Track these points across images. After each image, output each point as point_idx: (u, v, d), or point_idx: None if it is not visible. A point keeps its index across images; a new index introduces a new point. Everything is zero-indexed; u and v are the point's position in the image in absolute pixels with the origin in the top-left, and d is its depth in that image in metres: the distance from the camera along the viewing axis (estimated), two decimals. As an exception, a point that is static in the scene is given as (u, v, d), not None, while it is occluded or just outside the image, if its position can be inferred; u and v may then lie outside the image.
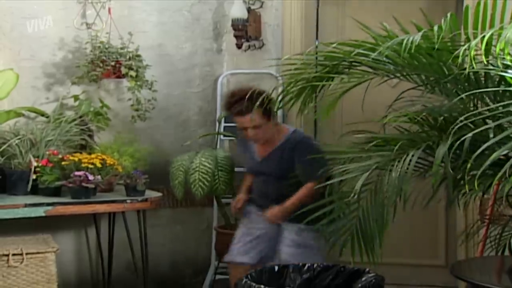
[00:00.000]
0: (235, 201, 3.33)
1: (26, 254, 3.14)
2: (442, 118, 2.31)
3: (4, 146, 3.40)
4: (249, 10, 3.99)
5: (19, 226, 3.35)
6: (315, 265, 2.86)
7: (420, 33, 2.09)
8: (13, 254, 3.08)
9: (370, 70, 2.46)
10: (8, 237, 3.29)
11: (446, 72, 2.22)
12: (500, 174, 1.82)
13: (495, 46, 2.04)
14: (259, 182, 3.27)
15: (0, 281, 3.09)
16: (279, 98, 2.80)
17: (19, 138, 3.43)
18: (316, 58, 2.62)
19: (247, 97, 2.95)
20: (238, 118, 3.07)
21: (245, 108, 2.99)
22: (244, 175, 3.41)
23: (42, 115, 3.70)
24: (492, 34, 1.96)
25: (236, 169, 3.67)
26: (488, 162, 1.82)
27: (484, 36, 1.93)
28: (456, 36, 2.15)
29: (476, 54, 1.98)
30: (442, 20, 2.16)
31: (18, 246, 3.15)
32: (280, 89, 2.97)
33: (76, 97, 3.78)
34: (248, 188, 3.36)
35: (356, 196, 2.53)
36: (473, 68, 1.97)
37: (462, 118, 2.07)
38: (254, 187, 3.31)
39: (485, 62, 2.00)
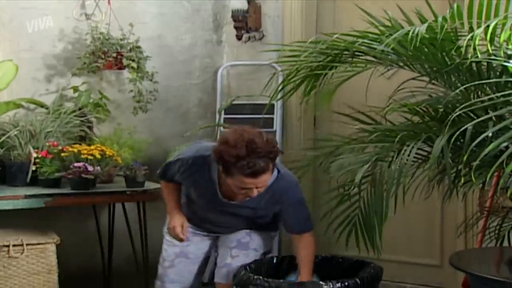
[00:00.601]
0: (177, 228, 2.75)
1: (27, 245, 3.15)
2: (442, 109, 2.30)
3: (3, 138, 3.40)
4: (249, 1, 3.98)
5: (19, 217, 3.35)
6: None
7: (425, 25, 2.08)
8: (14, 245, 3.09)
9: (373, 59, 2.45)
10: (8, 228, 3.30)
11: (449, 62, 2.22)
12: (497, 164, 1.82)
13: (498, 37, 2.03)
14: (210, 213, 2.73)
15: (0, 272, 3.10)
16: (279, 87, 2.79)
17: (18, 130, 3.43)
18: (315, 46, 2.60)
19: (270, 153, 2.37)
20: (248, 179, 2.38)
21: (262, 168, 2.37)
22: (167, 185, 2.79)
23: (42, 106, 3.70)
24: (496, 24, 1.95)
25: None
26: (485, 152, 1.82)
27: (488, 25, 1.93)
28: (459, 25, 2.14)
29: (479, 45, 1.98)
30: (447, 11, 2.15)
31: (19, 237, 3.15)
32: (280, 79, 2.93)
33: (75, 89, 3.78)
34: (178, 203, 2.81)
35: (356, 188, 2.54)
36: (477, 57, 1.96)
37: (460, 107, 2.06)
38: (198, 211, 2.76)
39: (490, 51, 1.98)
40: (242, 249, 2.74)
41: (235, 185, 2.45)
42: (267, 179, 2.43)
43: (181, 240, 2.76)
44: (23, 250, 3.13)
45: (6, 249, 3.11)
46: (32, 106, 3.70)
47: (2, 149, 3.42)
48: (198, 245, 2.81)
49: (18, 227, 3.34)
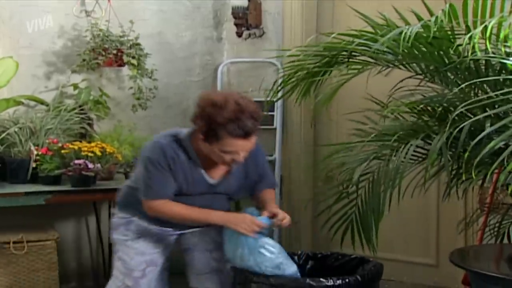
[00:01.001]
0: (253, 219, 2.42)
1: (27, 242, 3.16)
2: (441, 108, 2.31)
3: (3, 135, 3.41)
4: (249, -2, 3.98)
5: (19, 214, 3.36)
6: (313, 254, 2.87)
7: (419, 24, 2.09)
8: (14, 242, 3.10)
9: (370, 60, 2.45)
10: (9, 225, 3.30)
11: (446, 61, 2.22)
12: (498, 162, 1.82)
13: (496, 35, 2.04)
14: (197, 202, 2.46)
15: (1, 269, 3.11)
16: (279, 88, 2.80)
17: (18, 127, 3.44)
18: (313, 48, 2.61)
19: (256, 114, 2.28)
20: (239, 140, 2.27)
21: (251, 129, 2.27)
22: (169, 203, 2.40)
23: (42, 103, 3.70)
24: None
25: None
26: (485, 151, 1.83)
27: (486, 26, 1.93)
28: (455, 24, 2.15)
29: (476, 43, 1.98)
30: (440, 11, 2.16)
31: (19, 234, 3.16)
32: (280, 80, 2.93)
33: (75, 86, 3.78)
34: None
35: (354, 187, 2.54)
36: (476, 55, 1.96)
37: (461, 106, 2.07)
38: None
39: (489, 50, 1.99)
40: (221, 249, 2.55)
41: (220, 151, 2.30)
42: (255, 141, 2.32)
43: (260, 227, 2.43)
44: (24, 247, 3.14)
45: (6, 246, 3.12)
46: (32, 103, 3.70)
47: (3, 146, 3.43)
48: (165, 250, 2.59)
49: (18, 224, 3.34)
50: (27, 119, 3.51)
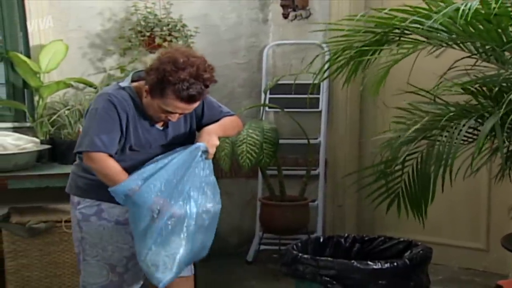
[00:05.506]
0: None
1: (78, 221, 3.22)
2: (497, 88, 2.24)
3: (54, 117, 3.49)
4: (296, -21, 3.93)
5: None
6: (359, 237, 2.86)
7: (478, 0, 2.01)
8: (66, 221, 3.17)
9: (422, 38, 2.39)
10: (60, 204, 3.37)
11: (504, 39, 2.14)
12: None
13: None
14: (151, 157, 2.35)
15: (53, 247, 3.21)
16: (325, 67, 2.76)
17: (68, 109, 3.51)
18: (363, 23, 2.55)
19: (209, 81, 2.30)
20: (181, 103, 2.24)
21: (198, 95, 2.27)
22: (109, 159, 2.28)
23: (90, 86, 3.76)
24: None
25: (280, 141, 3.68)
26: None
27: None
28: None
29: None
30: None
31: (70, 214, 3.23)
32: (326, 58, 2.89)
33: (122, 68, 3.82)
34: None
35: (399, 165, 2.49)
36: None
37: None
38: (135, 168, 2.31)
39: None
40: None
41: (159, 107, 2.27)
42: (195, 106, 2.31)
43: None
44: (75, 226, 3.21)
45: (59, 224, 3.21)
46: (81, 85, 3.76)
47: (53, 128, 3.51)
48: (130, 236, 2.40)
49: (68, 204, 3.41)
50: (76, 101, 3.58)
